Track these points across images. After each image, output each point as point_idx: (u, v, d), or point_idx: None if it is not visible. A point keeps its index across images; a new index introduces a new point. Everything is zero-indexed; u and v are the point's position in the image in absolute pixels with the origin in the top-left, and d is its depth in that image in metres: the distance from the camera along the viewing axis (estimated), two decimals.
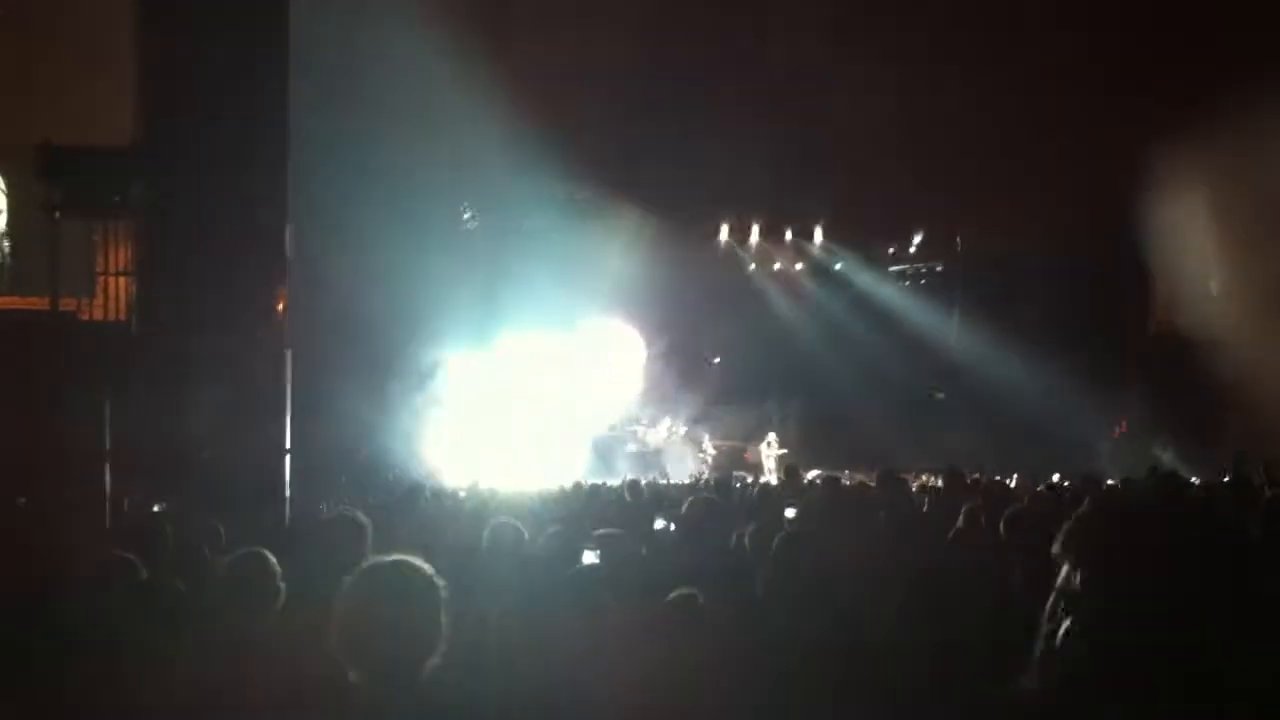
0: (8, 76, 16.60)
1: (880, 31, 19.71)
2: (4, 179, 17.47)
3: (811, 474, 18.49)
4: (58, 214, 12.93)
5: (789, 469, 14.78)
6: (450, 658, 3.02)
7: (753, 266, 28.03)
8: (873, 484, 12.73)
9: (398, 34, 18.91)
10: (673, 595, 3.57)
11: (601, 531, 6.21)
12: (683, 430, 26.37)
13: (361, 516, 5.35)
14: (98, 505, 11.37)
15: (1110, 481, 13.35)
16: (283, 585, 4.69)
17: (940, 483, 16.34)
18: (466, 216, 25.56)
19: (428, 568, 3.07)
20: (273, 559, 4.72)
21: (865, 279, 28.17)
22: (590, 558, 5.44)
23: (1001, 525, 5.95)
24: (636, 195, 25.46)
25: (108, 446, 12.72)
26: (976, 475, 18.77)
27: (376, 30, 18.53)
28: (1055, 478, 16.64)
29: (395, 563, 3.06)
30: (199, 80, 11.51)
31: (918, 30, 19.71)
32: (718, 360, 27.59)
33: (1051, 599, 2.14)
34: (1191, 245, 23.64)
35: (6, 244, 17.73)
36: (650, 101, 22.45)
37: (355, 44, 18.11)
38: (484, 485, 16.55)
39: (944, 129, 21.48)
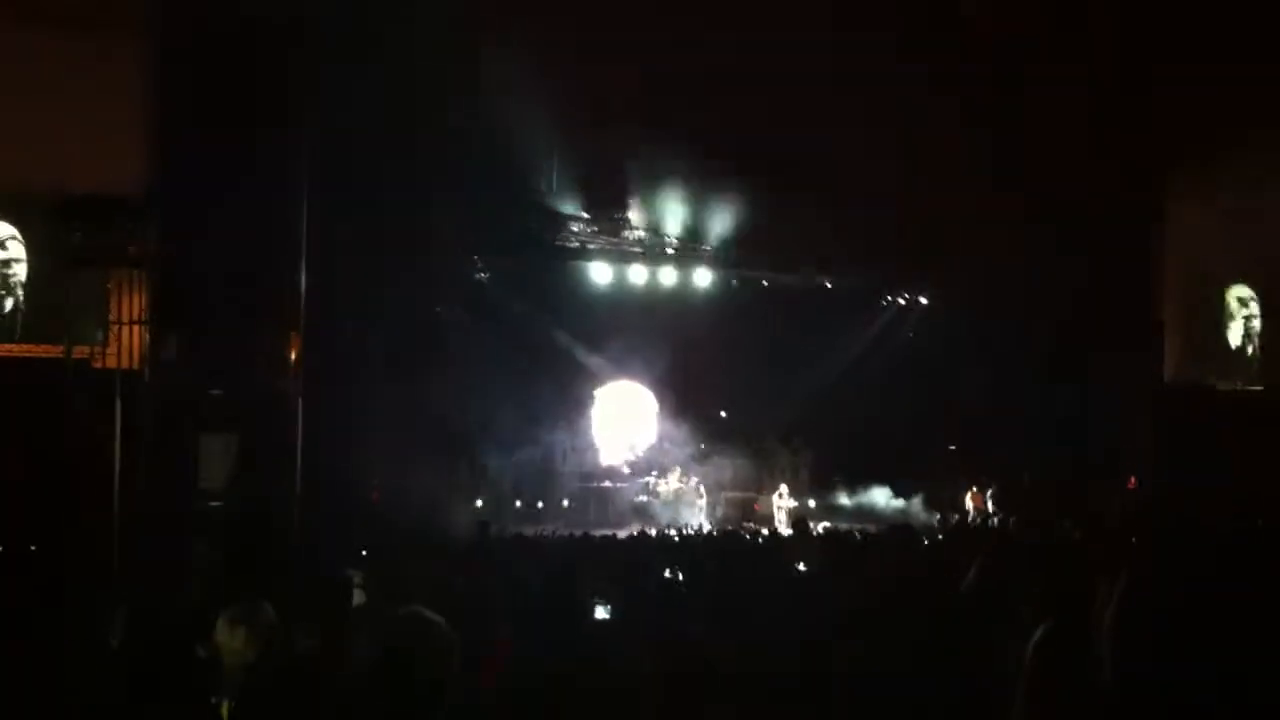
0: (23, 127, 16.76)
1: (889, 66, 19.78)
2: (19, 228, 17.61)
3: (821, 526, 18.46)
4: (73, 263, 13.02)
5: (798, 522, 14.72)
6: (464, 704, 3.05)
7: (762, 314, 27.99)
8: (883, 536, 12.71)
9: (412, 80, 19.06)
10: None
11: (599, 581, 6.22)
12: (693, 481, 26.31)
13: (350, 573, 5.35)
14: (107, 552, 11.38)
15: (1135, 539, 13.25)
16: (279, 634, 4.68)
17: (949, 534, 16.33)
18: (484, 275, 25.68)
19: (439, 618, 3.10)
20: (270, 609, 4.71)
21: (875, 327, 28.21)
22: (601, 612, 5.45)
23: (1016, 579, 5.92)
24: (645, 240, 25.63)
25: (118, 495, 12.75)
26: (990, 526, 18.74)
27: (391, 78, 18.68)
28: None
29: (412, 613, 3.11)
30: (213, 130, 11.61)
31: (924, 64, 19.78)
32: (724, 415, 27.52)
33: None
34: (1208, 288, 23.74)
35: (21, 293, 17.84)
36: (657, 140, 22.60)
37: (369, 93, 18.25)
38: (493, 532, 16.52)
39: (951, 170, 21.53)
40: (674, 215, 25.34)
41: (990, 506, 24.55)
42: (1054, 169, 21.27)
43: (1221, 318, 23.58)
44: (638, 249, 25.86)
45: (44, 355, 15.99)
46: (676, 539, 16.70)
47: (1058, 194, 21.39)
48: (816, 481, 26.84)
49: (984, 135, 21.10)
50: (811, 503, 25.49)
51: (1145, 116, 21.28)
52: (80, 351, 13.70)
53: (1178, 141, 21.72)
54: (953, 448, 26.89)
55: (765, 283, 27.34)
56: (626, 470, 26.79)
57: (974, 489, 24.79)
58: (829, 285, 27.53)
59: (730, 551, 12.20)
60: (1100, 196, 21.35)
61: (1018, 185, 21.53)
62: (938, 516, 24.26)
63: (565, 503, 25.62)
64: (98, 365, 14.15)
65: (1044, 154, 21.39)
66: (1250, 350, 23.46)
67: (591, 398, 27.39)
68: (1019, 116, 20.93)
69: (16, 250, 17.75)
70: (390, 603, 4.10)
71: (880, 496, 26.05)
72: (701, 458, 26.78)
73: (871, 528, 16.62)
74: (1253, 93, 19.22)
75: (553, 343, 26.57)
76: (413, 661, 2.99)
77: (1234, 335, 23.79)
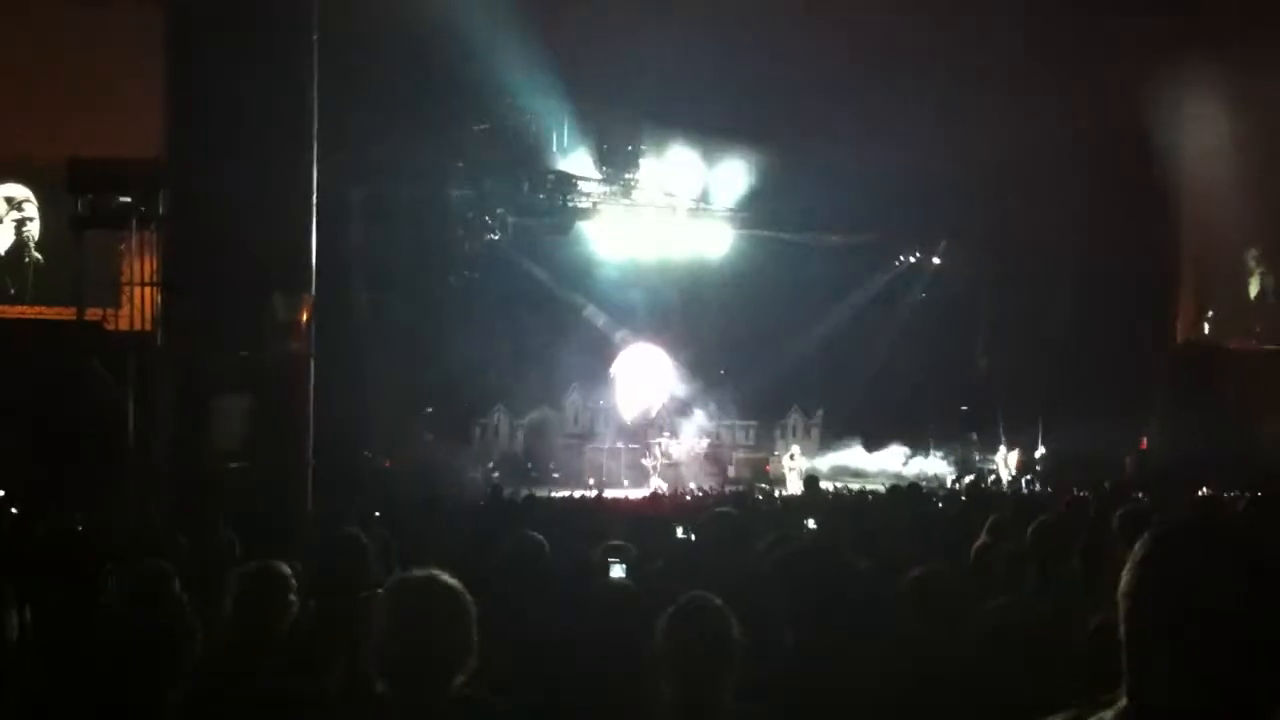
0: (38, 92, 16.81)
1: (909, 39, 19.67)
2: (34, 192, 17.72)
3: (833, 485, 18.48)
4: (85, 227, 13.04)
5: (809, 480, 14.77)
6: (479, 672, 3.05)
7: (774, 273, 27.89)
8: (893, 496, 12.71)
9: (424, 44, 18.98)
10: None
11: (613, 543, 6.22)
12: (704, 442, 26.34)
13: (363, 536, 5.35)
14: (125, 515, 11.45)
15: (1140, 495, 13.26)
16: (294, 598, 4.70)
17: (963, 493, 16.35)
18: (495, 236, 25.60)
19: (457, 582, 3.09)
20: (286, 570, 4.73)
21: (890, 290, 28.10)
22: (618, 571, 5.45)
23: (1028, 536, 5.96)
24: (657, 200, 25.56)
25: (133, 457, 12.82)
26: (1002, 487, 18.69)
27: (404, 36, 18.60)
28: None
29: (427, 577, 3.09)
30: (225, 94, 11.58)
31: (946, 41, 19.68)
32: (723, 373, 27.46)
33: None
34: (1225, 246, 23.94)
35: (35, 251, 17.97)
36: (668, 99, 22.55)
37: (381, 53, 18.17)
38: (506, 495, 16.55)
39: (971, 141, 21.43)
40: (686, 174, 25.25)
41: (1023, 467, 24.36)
42: (1072, 131, 21.16)
43: (1242, 271, 23.91)
44: (650, 209, 25.76)
45: (56, 318, 16.09)
46: (689, 499, 16.75)
47: (1074, 158, 21.26)
48: (828, 442, 26.85)
49: (1003, 93, 21.00)
50: (823, 463, 25.49)
51: (1164, 83, 21.23)
52: (93, 314, 13.75)
53: (1195, 105, 21.72)
54: (965, 408, 26.85)
55: (777, 242, 27.19)
56: (639, 431, 26.78)
57: (1017, 450, 24.50)
58: (841, 244, 27.39)
59: (740, 512, 12.20)
60: (1117, 160, 21.21)
61: (1034, 146, 21.44)
62: (951, 477, 24.30)
63: (578, 465, 25.65)
64: (110, 327, 14.21)
65: (1063, 113, 21.32)
66: (1270, 300, 23.87)
67: (606, 360, 27.36)
68: (1035, 75, 20.83)
69: (31, 211, 17.96)
70: (405, 567, 4.11)
71: (891, 457, 26.03)
72: (713, 418, 26.82)
73: (882, 488, 16.61)
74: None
75: (566, 303, 26.55)
76: (428, 626, 2.99)
77: (1253, 288, 24.13)
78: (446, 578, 3.09)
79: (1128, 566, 1.72)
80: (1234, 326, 24.57)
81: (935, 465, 25.72)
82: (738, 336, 27.04)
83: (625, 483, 23.99)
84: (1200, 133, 22.30)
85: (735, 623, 3.27)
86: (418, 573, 3.13)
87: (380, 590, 3.26)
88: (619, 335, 27.28)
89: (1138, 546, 1.73)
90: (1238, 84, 20.76)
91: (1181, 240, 23.96)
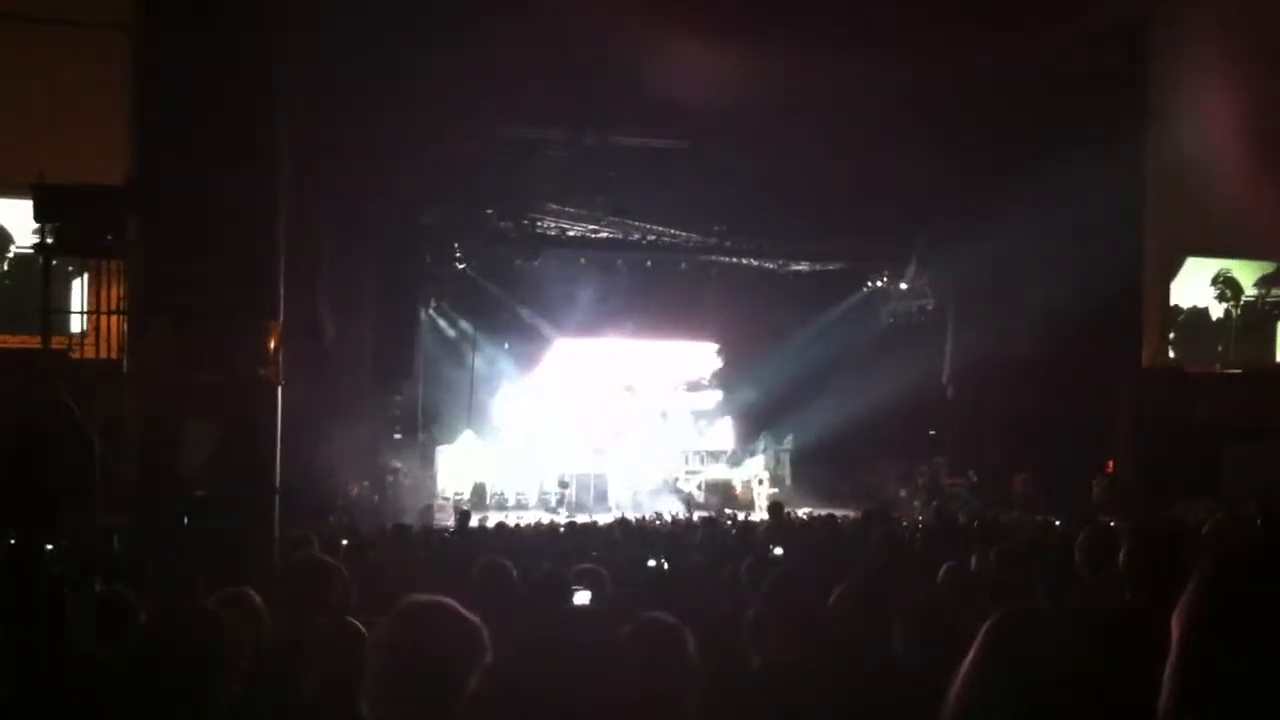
0: (2, 117, 16.74)
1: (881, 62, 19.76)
2: None
3: (801, 511, 18.52)
4: (50, 254, 12.96)
5: (774, 506, 14.77)
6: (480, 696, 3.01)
7: (739, 299, 27.99)
8: (862, 521, 12.76)
9: (396, 67, 19.01)
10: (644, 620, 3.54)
11: (581, 567, 6.22)
12: (674, 468, 26.38)
13: (331, 560, 5.34)
14: (88, 544, 11.34)
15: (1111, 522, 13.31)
16: (268, 625, 4.68)
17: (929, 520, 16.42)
18: (462, 265, 25.65)
19: (461, 608, 3.04)
20: (258, 598, 4.71)
21: (858, 312, 28.26)
22: (583, 597, 5.44)
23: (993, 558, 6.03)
24: (624, 227, 25.60)
25: (98, 485, 12.71)
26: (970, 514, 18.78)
27: (374, 66, 18.61)
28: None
29: (433, 602, 3.05)
30: (194, 119, 11.54)
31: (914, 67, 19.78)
32: (698, 392, 27.59)
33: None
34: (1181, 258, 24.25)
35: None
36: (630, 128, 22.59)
37: (351, 81, 18.18)
38: (473, 523, 16.52)
39: (938, 166, 21.59)
40: (651, 203, 25.32)
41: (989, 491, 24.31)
42: (1037, 155, 21.34)
43: (1205, 295, 24.19)
44: (617, 236, 25.84)
45: (21, 345, 15.97)
46: (657, 524, 16.77)
47: (1039, 180, 21.43)
48: (796, 466, 26.90)
49: (971, 118, 21.20)
50: (791, 488, 25.55)
51: (1126, 101, 21.52)
52: (59, 342, 13.64)
53: (1159, 122, 22.02)
54: (932, 432, 26.95)
55: (746, 268, 27.34)
56: (607, 458, 26.79)
57: (1022, 475, 24.22)
58: (805, 270, 27.58)
59: (711, 538, 12.25)
60: (1082, 182, 21.39)
61: (1000, 170, 21.63)
62: (918, 502, 24.35)
63: (546, 491, 25.62)
64: (76, 355, 14.11)
65: (1027, 136, 21.54)
66: (1231, 322, 24.12)
67: (571, 385, 27.40)
68: (1001, 98, 21.05)
69: None
70: (373, 594, 4.11)
71: (859, 481, 26.11)
72: (685, 443, 26.90)
73: (851, 513, 16.66)
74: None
75: (532, 329, 26.61)
76: (434, 651, 2.93)
77: (1215, 311, 24.39)
78: (452, 602, 3.03)
79: (1184, 604, 1.73)
80: (1198, 351, 24.77)
81: (903, 489, 25.79)
82: (706, 360, 27.17)
83: (593, 508, 23.96)
84: (1163, 153, 22.60)
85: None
86: (424, 597, 3.06)
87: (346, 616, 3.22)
88: (586, 360, 27.33)
89: (1193, 584, 1.74)
90: (1200, 99, 21.04)
91: (1146, 263, 24.12)
